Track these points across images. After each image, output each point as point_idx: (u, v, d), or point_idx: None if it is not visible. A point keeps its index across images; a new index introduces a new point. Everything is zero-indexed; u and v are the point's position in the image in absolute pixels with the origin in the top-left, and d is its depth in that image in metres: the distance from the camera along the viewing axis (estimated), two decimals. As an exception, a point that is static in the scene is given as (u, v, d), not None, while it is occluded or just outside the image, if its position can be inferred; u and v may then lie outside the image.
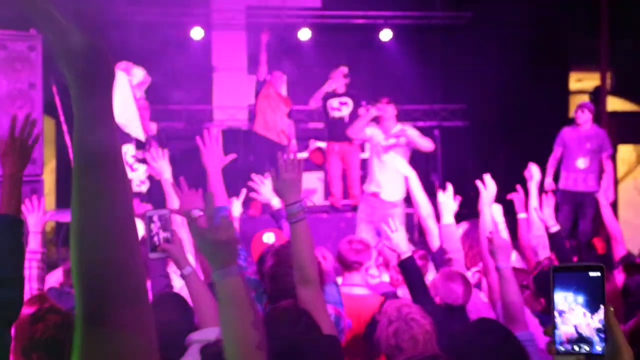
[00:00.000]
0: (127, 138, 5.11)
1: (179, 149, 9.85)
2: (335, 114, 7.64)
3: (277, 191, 2.39)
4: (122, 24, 9.45)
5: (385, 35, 10.07)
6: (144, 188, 6.25)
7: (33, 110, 4.56)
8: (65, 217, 6.71)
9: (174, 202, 2.89)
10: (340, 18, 9.99)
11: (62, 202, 8.54)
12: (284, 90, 8.42)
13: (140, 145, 5.29)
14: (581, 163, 6.99)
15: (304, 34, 9.81)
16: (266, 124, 7.70)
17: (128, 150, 5.13)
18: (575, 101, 9.83)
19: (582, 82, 10.38)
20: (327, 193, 8.61)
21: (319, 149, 8.46)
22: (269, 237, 3.47)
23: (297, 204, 2.29)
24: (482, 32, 9.94)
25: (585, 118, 6.99)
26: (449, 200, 3.54)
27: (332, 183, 7.92)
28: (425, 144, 6.18)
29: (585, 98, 9.65)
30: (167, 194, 3.08)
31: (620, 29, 8.99)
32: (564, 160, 7.16)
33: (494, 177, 6.77)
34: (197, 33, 9.59)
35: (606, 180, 6.75)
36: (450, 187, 3.63)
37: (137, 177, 5.48)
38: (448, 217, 3.47)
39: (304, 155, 8.65)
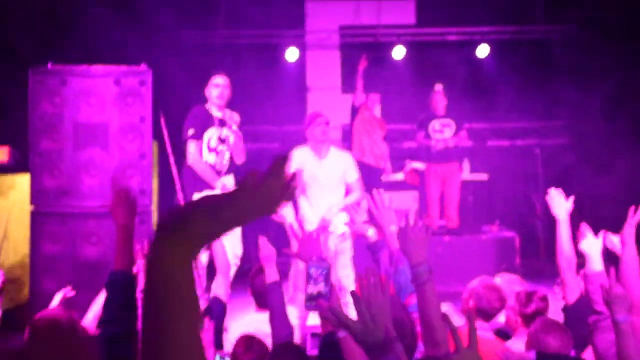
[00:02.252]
0: (210, 121, 5.00)
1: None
2: (438, 136, 7.49)
3: (403, 250, 2.32)
4: (221, 47, 9.72)
5: (483, 51, 9.82)
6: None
7: (143, 143, 4.67)
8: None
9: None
10: (436, 35, 9.82)
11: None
12: (378, 111, 8.34)
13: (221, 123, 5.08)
14: None
15: (398, 52, 9.71)
16: (362, 149, 7.65)
17: (213, 135, 4.98)
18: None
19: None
20: (424, 215, 8.43)
21: (415, 170, 8.30)
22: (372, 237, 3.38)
23: (423, 264, 2.23)
24: (584, 44, 9.53)
25: None
26: (593, 243, 3.15)
27: (430, 205, 7.75)
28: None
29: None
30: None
31: None
32: None
33: (602, 201, 6.37)
34: (291, 54, 9.69)
35: None
36: (588, 232, 3.19)
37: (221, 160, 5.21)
38: (596, 264, 3.10)
39: (399, 176, 8.51)
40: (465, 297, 3.32)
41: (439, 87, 7.75)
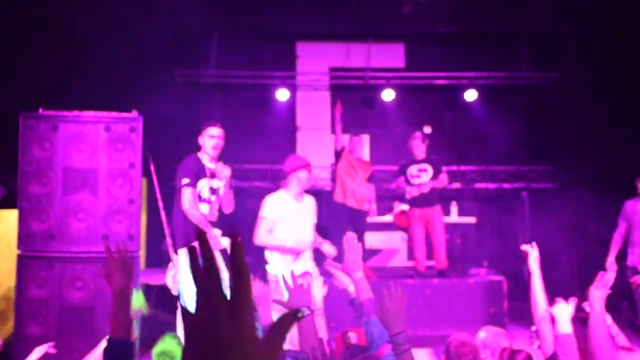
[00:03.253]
0: (203, 172, 5.01)
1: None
2: (415, 181, 7.57)
3: (381, 320, 2.36)
4: (212, 86, 9.84)
5: (470, 95, 9.98)
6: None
7: (132, 189, 4.70)
8: (155, 278, 6.82)
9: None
10: (424, 79, 9.97)
11: (152, 259, 8.74)
12: (365, 153, 8.40)
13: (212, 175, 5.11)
14: None
15: (388, 95, 9.84)
16: (344, 193, 7.69)
17: (205, 186, 5.00)
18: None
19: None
20: (411, 257, 8.48)
21: (403, 212, 8.35)
22: (351, 337, 3.37)
23: (402, 334, 2.27)
24: (570, 92, 9.71)
25: None
26: (563, 309, 3.21)
27: (416, 247, 7.78)
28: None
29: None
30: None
31: None
32: (630, 235, 6.73)
33: (588, 247, 6.34)
34: (282, 94, 9.81)
35: None
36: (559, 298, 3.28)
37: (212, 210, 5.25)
38: (565, 326, 3.16)
39: (388, 218, 8.56)
40: (442, 352, 3.35)
41: (417, 133, 7.85)
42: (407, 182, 7.65)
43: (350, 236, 3.10)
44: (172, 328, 5.76)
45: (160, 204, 5.01)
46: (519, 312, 8.54)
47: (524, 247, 3.87)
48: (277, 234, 5.03)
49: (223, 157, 5.22)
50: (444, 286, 7.66)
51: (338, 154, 7.88)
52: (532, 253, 3.87)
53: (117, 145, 4.78)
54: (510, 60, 10.14)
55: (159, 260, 6.46)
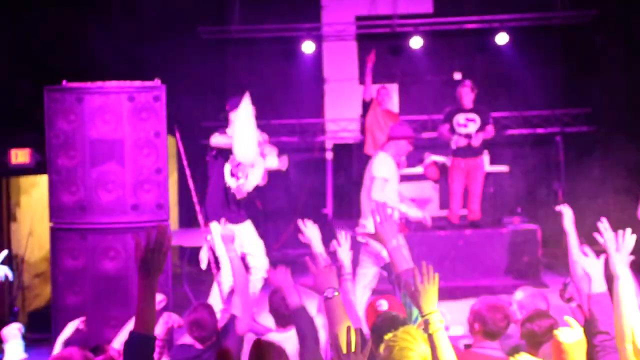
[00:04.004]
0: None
1: (294, 162, 9.98)
2: (462, 131, 7.42)
3: (412, 300, 2.34)
4: (237, 42, 9.72)
5: (502, 39, 9.66)
6: None
7: (158, 158, 4.71)
8: (188, 240, 6.92)
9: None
10: (454, 24, 9.68)
11: (184, 218, 8.86)
12: (393, 103, 8.27)
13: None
14: None
15: (416, 42, 9.60)
16: (375, 145, 7.62)
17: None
18: None
19: None
20: (444, 206, 8.43)
21: (435, 163, 8.24)
22: (382, 304, 3.35)
23: (434, 314, 2.25)
24: (607, 30, 9.32)
25: None
26: (596, 267, 3.02)
27: (453, 199, 7.71)
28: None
29: None
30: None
31: None
32: None
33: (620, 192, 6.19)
34: (308, 47, 9.64)
35: None
36: (590, 252, 3.18)
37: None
38: (599, 285, 3.08)
39: (418, 169, 8.46)
40: (470, 320, 3.31)
41: (467, 81, 7.64)
42: (452, 130, 7.51)
43: (381, 205, 3.08)
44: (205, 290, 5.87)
45: (188, 172, 5.03)
46: (553, 259, 8.48)
47: (559, 208, 3.83)
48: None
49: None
50: (477, 237, 7.61)
51: (367, 105, 7.78)
52: (567, 214, 3.82)
53: (141, 115, 4.78)
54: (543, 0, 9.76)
55: (193, 220, 6.53)
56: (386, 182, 5.28)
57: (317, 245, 3.49)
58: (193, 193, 4.76)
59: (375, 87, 7.99)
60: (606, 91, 9.10)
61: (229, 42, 9.72)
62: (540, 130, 9.75)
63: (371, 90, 7.70)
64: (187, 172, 4.82)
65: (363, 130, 8.18)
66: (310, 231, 3.54)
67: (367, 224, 5.27)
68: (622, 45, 9.23)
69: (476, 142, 7.38)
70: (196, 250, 5.68)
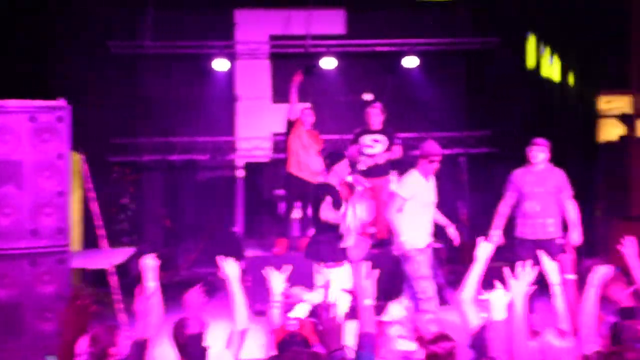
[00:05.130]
0: None
1: (204, 180, 9.92)
2: (368, 151, 7.58)
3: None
4: (149, 57, 9.57)
5: (411, 62, 9.99)
6: None
7: (60, 181, 4.57)
8: (91, 262, 6.68)
9: None
10: (365, 46, 9.92)
11: (88, 239, 8.60)
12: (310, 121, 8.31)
13: None
14: (537, 207, 6.25)
15: (329, 63, 9.76)
16: (299, 165, 7.65)
17: None
18: (604, 123, 9.66)
19: (610, 103, 10.18)
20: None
21: (347, 183, 8.37)
22: (293, 324, 3.39)
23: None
24: (508, 56, 9.83)
25: (541, 157, 6.31)
26: (499, 296, 3.15)
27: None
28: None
29: (614, 121, 9.48)
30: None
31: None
32: (519, 206, 6.35)
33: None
34: (221, 64, 9.61)
35: (572, 223, 6.21)
36: (499, 284, 3.32)
37: None
38: (499, 313, 3.11)
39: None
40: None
41: (377, 103, 7.82)
42: (360, 151, 7.65)
43: (365, 264, 3.17)
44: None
45: (91, 195, 4.90)
46: (457, 276, 8.77)
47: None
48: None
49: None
50: (383, 256, 7.75)
51: (291, 124, 7.77)
52: (485, 246, 3.87)
53: (43, 136, 4.63)
54: (450, 25, 10.16)
55: (95, 242, 6.34)
56: (405, 201, 5.75)
57: (235, 284, 3.42)
58: (96, 216, 4.63)
59: (300, 106, 8.00)
60: (505, 115, 9.58)
61: (141, 57, 9.54)
62: (446, 151, 10.08)
63: (296, 110, 7.72)
64: (91, 195, 4.69)
65: (286, 149, 8.14)
66: (229, 269, 3.49)
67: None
68: (519, 72, 9.77)
69: (380, 160, 7.54)
70: (98, 273, 5.53)
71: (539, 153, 6.32)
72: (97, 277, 5.67)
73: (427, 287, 5.80)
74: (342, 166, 6.22)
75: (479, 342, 3.29)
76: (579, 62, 9.22)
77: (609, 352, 3.07)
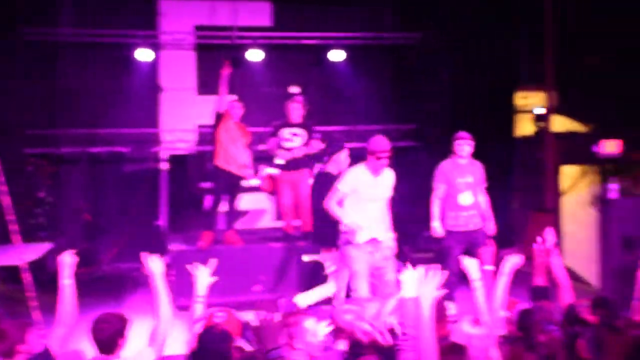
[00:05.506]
0: None
1: (127, 172, 9.68)
2: (287, 145, 7.59)
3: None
4: (68, 45, 9.23)
5: (337, 55, 10.06)
6: None
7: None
8: (1, 259, 6.38)
9: None
10: (291, 39, 9.91)
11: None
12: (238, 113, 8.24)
13: None
14: (467, 199, 6.45)
15: (255, 55, 9.70)
16: (227, 158, 7.59)
17: None
18: (521, 119, 10.03)
19: (527, 99, 10.56)
20: (279, 217, 8.59)
21: (270, 176, 8.37)
22: (219, 317, 3.37)
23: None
24: (431, 52, 10.05)
25: (467, 150, 6.51)
26: (410, 274, 3.19)
27: (284, 211, 7.86)
28: None
29: (530, 116, 9.84)
30: None
31: (565, 50, 9.18)
32: (448, 197, 6.47)
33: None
34: (144, 54, 9.39)
35: (487, 215, 6.51)
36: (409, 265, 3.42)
37: None
38: (409, 290, 3.15)
39: (255, 181, 8.55)
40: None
41: (298, 97, 7.83)
42: (279, 145, 7.65)
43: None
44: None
45: (4, 189, 4.69)
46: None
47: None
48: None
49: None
50: (309, 248, 7.81)
51: (219, 117, 7.67)
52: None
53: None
54: (376, 20, 10.29)
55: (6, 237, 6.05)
56: (344, 194, 5.49)
57: (160, 281, 3.37)
58: (7, 210, 4.43)
59: (229, 98, 7.85)
60: (429, 109, 9.81)
61: (61, 46, 9.19)
62: (371, 144, 10.24)
63: (225, 102, 7.62)
64: (2, 188, 4.48)
65: (213, 142, 8.03)
66: (154, 265, 3.42)
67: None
68: (443, 67, 10.00)
69: (298, 153, 7.58)
70: (10, 269, 5.31)
71: (465, 146, 6.51)
72: (11, 274, 5.44)
73: (359, 284, 5.46)
74: (343, 156, 6.19)
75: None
76: (497, 59, 9.51)
77: (514, 337, 3.22)
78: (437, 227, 6.46)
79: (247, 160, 7.78)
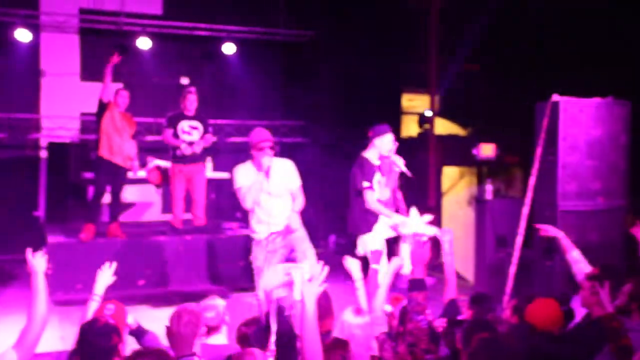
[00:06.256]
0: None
1: (3, 160, 9.13)
2: (186, 138, 7.47)
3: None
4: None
5: (229, 48, 9.98)
6: None
7: None
8: None
9: None
10: (182, 29, 9.73)
11: None
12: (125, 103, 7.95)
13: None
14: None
15: (144, 43, 9.42)
16: (111, 149, 7.33)
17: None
18: (406, 120, 10.41)
19: (413, 101, 10.95)
20: (167, 211, 8.42)
21: (158, 167, 8.19)
22: (109, 309, 3.28)
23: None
24: (322, 51, 10.20)
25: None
26: (298, 275, 3.28)
27: (176, 205, 7.72)
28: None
29: (415, 118, 10.21)
30: None
31: (448, 57, 9.61)
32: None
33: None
34: (23, 35, 8.85)
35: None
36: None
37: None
38: (297, 293, 3.08)
39: (142, 173, 8.33)
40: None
41: (193, 88, 7.70)
42: (176, 136, 7.50)
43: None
44: None
45: None
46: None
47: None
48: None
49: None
50: (197, 242, 7.72)
51: (104, 106, 7.36)
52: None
53: None
54: (269, 16, 10.30)
55: None
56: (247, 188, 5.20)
57: (40, 279, 3.20)
58: None
59: (114, 87, 7.57)
60: (318, 107, 9.96)
61: None
62: (260, 139, 10.24)
63: (110, 91, 7.32)
64: None
65: (98, 132, 7.69)
66: (36, 263, 3.25)
67: None
68: (333, 66, 10.18)
69: (198, 149, 7.52)
70: None
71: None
72: None
73: (261, 280, 5.17)
74: (386, 140, 5.81)
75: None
76: (385, 62, 9.79)
77: (395, 333, 3.38)
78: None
79: (132, 151, 7.56)
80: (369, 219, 5.79)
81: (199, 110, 7.64)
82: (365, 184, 5.73)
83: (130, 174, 7.73)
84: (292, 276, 3.16)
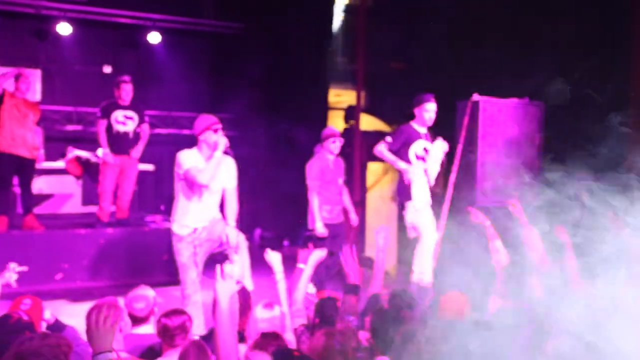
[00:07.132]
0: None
1: None
2: (120, 128, 7.25)
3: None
4: None
5: (154, 37, 9.77)
6: None
7: None
8: None
9: None
10: (105, 15, 9.44)
11: None
12: (36, 91, 7.65)
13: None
14: (336, 192, 6.78)
15: (64, 29, 9.09)
16: (13, 140, 6.90)
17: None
18: (333, 116, 10.48)
19: (340, 97, 11.03)
20: (87, 202, 8.17)
21: (78, 158, 7.92)
22: (25, 303, 3.17)
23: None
24: (250, 44, 10.14)
25: (338, 147, 6.70)
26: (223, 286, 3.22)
27: (104, 197, 7.47)
28: None
29: (341, 114, 10.29)
30: None
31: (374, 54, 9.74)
32: (322, 192, 6.61)
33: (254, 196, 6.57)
34: None
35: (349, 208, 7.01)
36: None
37: None
38: (223, 303, 2.81)
39: (60, 164, 8.04)
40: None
41: (127, 77, 7.45)
42: (110, 127, 7.27)
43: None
44: None
45: None
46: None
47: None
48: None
49: None
50: (119, 235, 7.54)
51: (0, 95, 6.90)
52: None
53: None
54: (197, 6, 10.15)
55: None
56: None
57: None
58: None
59: (11, 71, 6.91)
60: (245, 99, 9.89)
61: None
62: (186, 131, 10.10)
63: (6, 78, 6.77)
64: None
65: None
66: None
67: None
68: (261, 59, 10.14)
69: (139, 143, 7.41)
70: None
71: (339, 144, 6.64)
72: None
73: (183, 277, 5.15)
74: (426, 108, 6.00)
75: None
76: (313, 57, 9.84)
77: (312, 325, 3.44)
78: (320, 228, 6.46)
79: (38, 140, 7.16)
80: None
81: (134, 100, 7.42)
82: (388, 139, 6.01)
83: (40, 164, 7.37)
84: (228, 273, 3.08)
